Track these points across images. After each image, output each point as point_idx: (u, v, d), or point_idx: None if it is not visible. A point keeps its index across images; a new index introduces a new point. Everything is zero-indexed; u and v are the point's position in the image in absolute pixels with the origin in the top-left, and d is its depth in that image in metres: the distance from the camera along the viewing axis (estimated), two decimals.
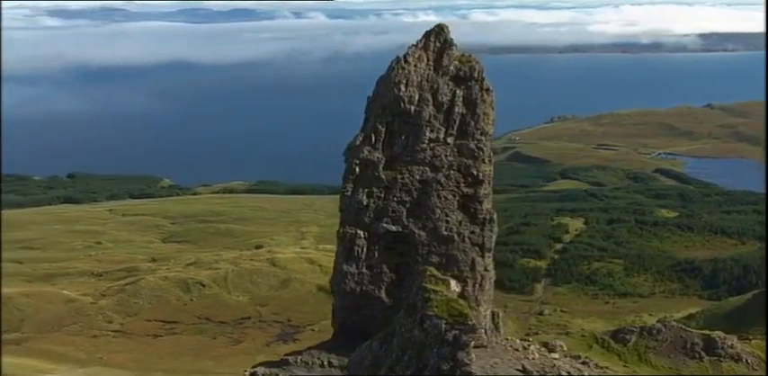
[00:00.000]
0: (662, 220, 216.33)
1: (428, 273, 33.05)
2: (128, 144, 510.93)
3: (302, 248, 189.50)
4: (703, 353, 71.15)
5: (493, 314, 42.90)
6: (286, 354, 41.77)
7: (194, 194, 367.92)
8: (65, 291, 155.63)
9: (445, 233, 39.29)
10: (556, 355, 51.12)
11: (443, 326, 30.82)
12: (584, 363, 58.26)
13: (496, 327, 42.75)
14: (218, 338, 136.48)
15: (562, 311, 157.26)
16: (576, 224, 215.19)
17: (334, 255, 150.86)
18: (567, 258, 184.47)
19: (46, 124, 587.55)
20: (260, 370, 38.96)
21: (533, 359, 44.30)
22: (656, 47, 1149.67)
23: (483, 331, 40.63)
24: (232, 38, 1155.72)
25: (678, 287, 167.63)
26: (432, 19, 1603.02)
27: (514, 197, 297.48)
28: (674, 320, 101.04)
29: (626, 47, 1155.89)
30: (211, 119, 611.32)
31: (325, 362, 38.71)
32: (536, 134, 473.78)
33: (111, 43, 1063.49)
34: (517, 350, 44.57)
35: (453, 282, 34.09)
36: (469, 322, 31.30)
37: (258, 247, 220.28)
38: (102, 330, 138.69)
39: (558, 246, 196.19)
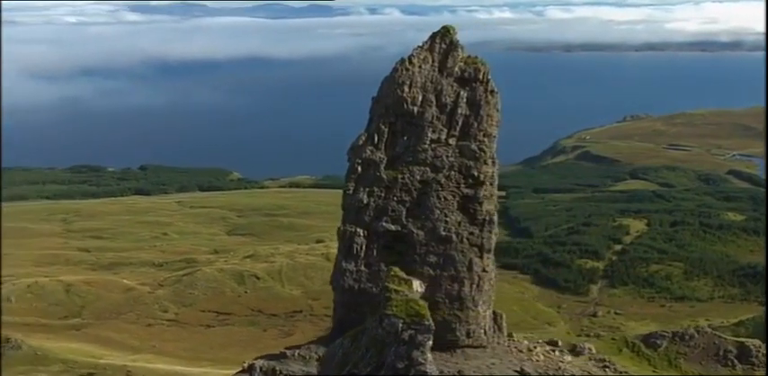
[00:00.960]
0: (728, 223, 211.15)
1: (392, 272, 33.49)
2: (200, 137, 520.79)
3: None
4: (736, 361, 69.78)
5: (495, 315, 43.05)
6: (286, 348, 42.74)
7: (261, 188, 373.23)
8: (125, 280, 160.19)
9: (443, 233, 39.63)
10: (568, 358, 50.95)
11: (400, 325, 31.31)
12: (604, 367, 57.75)
13: (499, 328, 42.89)
14: (269, 330, 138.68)
15: (616, 313, 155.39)
16: (638, 225, 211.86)
17: None
18: (625, 260, 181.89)
19: (123, 116, 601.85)
20: (258, 362, 39.96)
21: (537, 361, 44.39)
22: (735, 45, 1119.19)
23: (482, 332, 41.00)
24: (307, 33, 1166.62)
25: (739, 292, 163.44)
26: (506, 16, 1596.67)
27: (580, 197, 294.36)
28: (723, 326, 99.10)
29: (705, 45, 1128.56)
30: (283, 113, 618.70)
31: (322, 357, 39.47)
32: (607, 133, 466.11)
33: (189, 38, 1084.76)
34: (521, 351, 44.69)
35: (417, 283, 34.44)
36: (426, 322, 31.69)
37: (318, 242, 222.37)
38: (157, 319, 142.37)
39: (618, 247, 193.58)
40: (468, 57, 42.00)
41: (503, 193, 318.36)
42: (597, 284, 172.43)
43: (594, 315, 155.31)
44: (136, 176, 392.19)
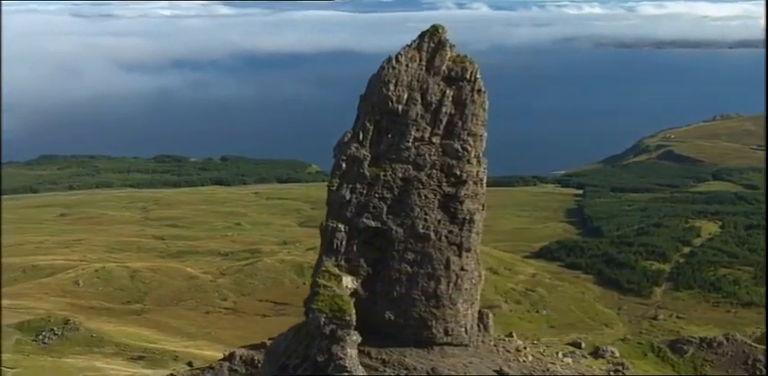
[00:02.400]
0: None
1: (324, 268, 33.84)
2: (282, 129, 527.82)
3: None
4: (765, 371, 67.61)
5: (481, 314, 43.07)
6: (269, 339, 43.66)
7: None
8: (188, 268, 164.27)
9: (422, 231, 39.84)
10: (569, 360, 50.52)
11: (323, 320, 31.73)
12: (616, 371, 57.10)
13: (485, 327, 42.87)
14: None
15: (678, 317, 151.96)
16: (710, 227, 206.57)
17: None
18: (692, 263, 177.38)
19: (209, 108, 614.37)
20: (239, 351, 41.04)
21: (524, 361, 44.22)
22: None
23: (463, 330, 41.07)
24: (395, 27, 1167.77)
25: None
26: (596, 11, 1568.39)
27: (658, 197, 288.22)
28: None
29: None
30: None
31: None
32: (693, 132, 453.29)
33: (277, 31, 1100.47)
34: (509, 352, 44.56)
35: (349, 279, 34.61)
36: (347, 318, 32.00)
37: None
38: (216, 307, 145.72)
39: (687, 249, 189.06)
40: (458, 56, 42.02)
41: (579, 192, 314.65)
42: (661, 287, 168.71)
43: (655, 318, 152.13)
44: (217, 167, 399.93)
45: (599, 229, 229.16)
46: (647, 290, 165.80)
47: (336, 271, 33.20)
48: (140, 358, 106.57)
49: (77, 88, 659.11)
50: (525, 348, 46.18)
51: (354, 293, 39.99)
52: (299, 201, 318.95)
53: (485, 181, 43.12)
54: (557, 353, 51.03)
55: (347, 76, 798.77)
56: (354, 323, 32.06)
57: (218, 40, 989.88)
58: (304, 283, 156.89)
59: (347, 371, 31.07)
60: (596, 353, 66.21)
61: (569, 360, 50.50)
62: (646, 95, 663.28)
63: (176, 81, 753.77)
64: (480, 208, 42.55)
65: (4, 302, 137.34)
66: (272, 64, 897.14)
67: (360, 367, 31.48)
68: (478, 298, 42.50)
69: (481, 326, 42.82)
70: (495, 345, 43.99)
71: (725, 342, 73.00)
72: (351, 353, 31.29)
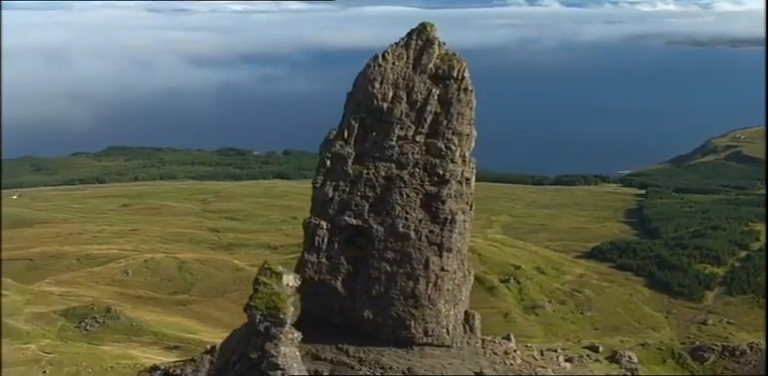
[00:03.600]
0: None
1: (265, 265, 33.76)
2: None
3: (472, 236, 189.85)
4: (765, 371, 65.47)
5: (467, 315, 42.65)
6: None
7: None
8: (236, 261, 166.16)
9: (402, 230, 39.55)
10: (567, 365, 49.74)
11: (258, 317, 31.74)
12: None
13: (471, 329, 42.44)
14: None
15: (728, 323, 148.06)
16: None
17: (499, 245, 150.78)
18: (748, 267, 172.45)
19: (274, 102, 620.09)
20: (219, 343, 41.47)
21: (511, 364, 43.70)
22: None
23: (444, 331, 40.74)
24: (465, 24, 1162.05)
25: None
26: (671, 8, 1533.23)
27: (721, 198, 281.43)
28: None
29: None
30: None
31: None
32: (763, 133, 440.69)
33: (346, 26, 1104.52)
34: (496, 354, 44.05)
35: (289, 277, 34.32)
36: (281, 316, 31.90)
37: None
38: None
39: (743, 253, 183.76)
40: (446, 54, 41.59)
41: (642, 192, 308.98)
42: (713, 291, 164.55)
43: (704, 323, 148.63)
44: (279, 161, 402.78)
45: (656, 230, 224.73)
46: (699, 294, 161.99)
47: (279, 268, 33.20)
48: (176, 348, 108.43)
49: (148, 81, 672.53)
50: (515, 351, 45.59)
51: (336, 291, 40.18)
52: None
53: (472, 181, 42.65)
54: (557, 356, 50.29)
55: None
56: (287, 321, 32.06)
57: (288, 35, 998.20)
58: None
59: (280, 369, 31.13)
60: (613, 358, 65.12)
61: (568, 364, 49.72)
62: (717, 94, 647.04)
63: (245, 76, 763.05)
64: (467, 208, 42.11)
65: (55, 289, 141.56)
66: (340, 59, 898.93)
67: (296, 365, 31.47)
68: (464, 299, 42.05)
69: (467, 327, 42.37)
70: (483, 347, 43.53)
71: (748, 351, 71.00)
72: (284, 351, 31.29)
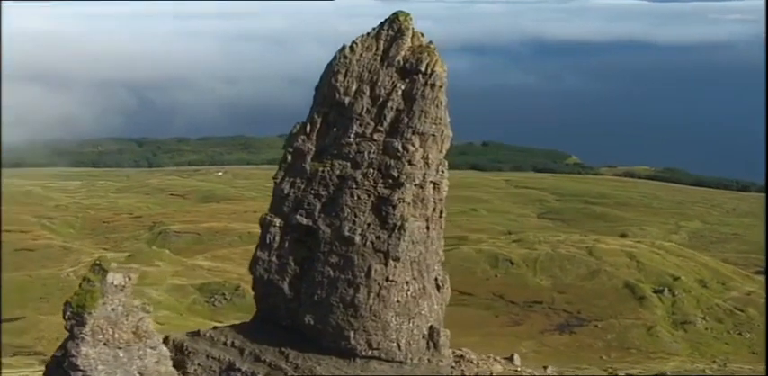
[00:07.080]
0: None
1: (96, 261, 31.90)
2: (551, 119, 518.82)
3: (636, 241, 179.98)
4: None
5: (432, 330, 39.44)
6: (214, 328, 43.09)
7: (596, 174, 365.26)
8: None
9: (347, 234, 36.79)
10: None
11: (68, 314, 30.24)
12: None
13: (435, 345, 39.20)
14: (501, 317, 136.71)
15: None
16: None
17: (663, 253, 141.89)
18: None
19: (486, 93, 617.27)
20: (173, 335, 40.97)
21: None
22: None
23: (395, 346, 37.75)
24: (695, 18, 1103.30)
25: None
26: None
27: None
28: None
29: None
30: (643, 100, 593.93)
31: (228, 342, 39.14)
32: None
33: (568, 19, 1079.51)
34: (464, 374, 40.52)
35: (117, 276, 31.86)
36: (85, 315, 30.05)
37: (622, 236, 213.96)
38: None
39: None
40: (420, 45, 38.28)
41: None
42: None
43: None
44: (476, 151, 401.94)
45: None
46: None
47: (109, 265, 31.60)
48: None
49: None
50: (484, 365, 41.68)
51: (282, 292, 38.49)
52: (546, 192, 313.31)
53: (442, 186, 39.32)
54: None
55: (632, 68, 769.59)
56: (88, 321, 30.48)
57: (508, 25, 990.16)
58: (495, 275, 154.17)
59: (80, 370, 29.79)
60: None
61: None
62: None
63: (462, 65, 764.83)
64: (431, 215, 38.85)
65: (207, 263, 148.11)
66: (559, 52, 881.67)
67: (102, 367, 29.85)
68: (425, 313, 38.83)
69: (431, 343, 39.24)
70: (451, 366, 40.23)
71: None
72: (86, 351, 29.83)
